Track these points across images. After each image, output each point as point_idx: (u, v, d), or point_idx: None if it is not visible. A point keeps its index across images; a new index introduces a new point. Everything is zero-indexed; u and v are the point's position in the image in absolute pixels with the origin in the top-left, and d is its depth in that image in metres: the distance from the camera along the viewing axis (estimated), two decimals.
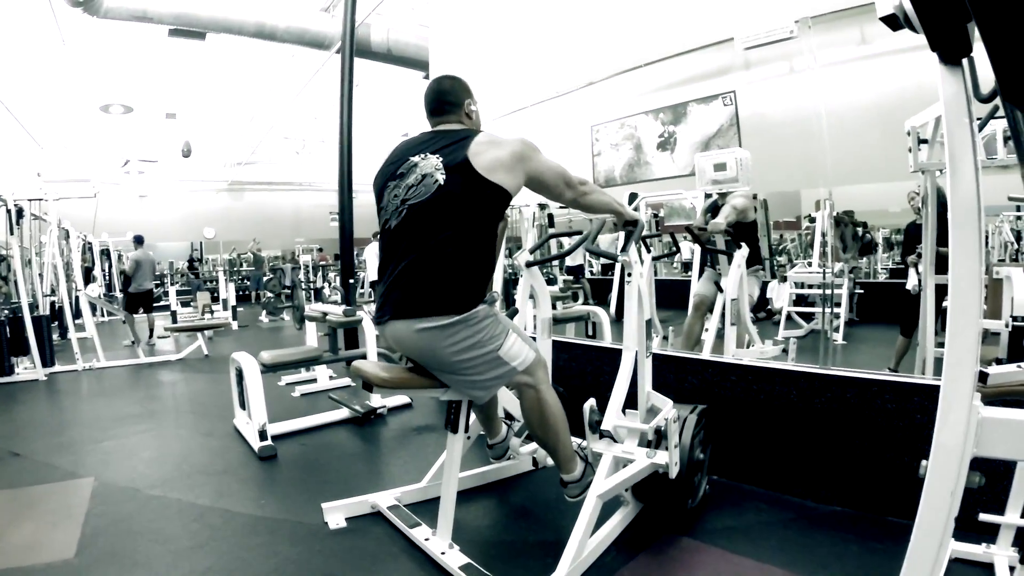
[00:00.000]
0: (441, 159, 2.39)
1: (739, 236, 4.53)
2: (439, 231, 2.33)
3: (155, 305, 10.50)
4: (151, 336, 10.09)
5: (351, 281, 7.01)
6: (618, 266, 2.94)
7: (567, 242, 3.39)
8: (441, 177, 2.34)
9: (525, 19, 5.98)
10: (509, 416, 3.26)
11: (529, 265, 3.22)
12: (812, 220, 5.39)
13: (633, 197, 5.52)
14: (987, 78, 1.22)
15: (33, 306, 7.47)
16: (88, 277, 12.34)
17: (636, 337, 2.88)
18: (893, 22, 1.24)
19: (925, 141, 3.33)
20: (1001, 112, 1.38)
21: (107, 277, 14.44)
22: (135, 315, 9.44)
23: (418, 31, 9.74)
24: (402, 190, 2.42)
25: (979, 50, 1.14)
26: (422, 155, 2.44)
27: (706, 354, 4.19)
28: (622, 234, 2.90)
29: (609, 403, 2.87)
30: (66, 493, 3.55)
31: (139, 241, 10.83)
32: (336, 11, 9.46)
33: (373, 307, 2.72)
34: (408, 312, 2.36)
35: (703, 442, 3.08)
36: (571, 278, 7.47)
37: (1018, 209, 4.88)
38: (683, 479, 2.80)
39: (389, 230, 2.46)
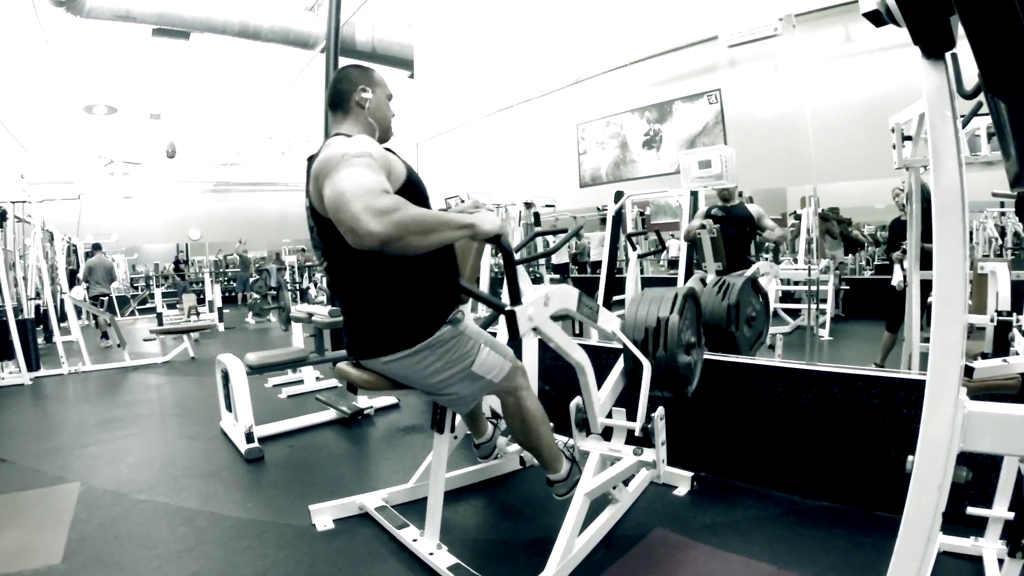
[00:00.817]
0: (309, 200, 2.17)
1: (743, 241, 4.62)
2: (358, 278, 2.23)
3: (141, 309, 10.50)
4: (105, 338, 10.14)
5: None
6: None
7: (553, 240, 3.39)
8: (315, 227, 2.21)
9: (510, 17, 5.98)
10: (495, 415, 3.25)
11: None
12: (797, 217, 5.41)
13: (619, 195, 5.52)
14: (970, 76, 1.23)
15: (17, 310, 7.41)
16: (73, 280, 12.26)
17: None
18: (876, 18, 1.24)
19: (909, 138, 3.34)
20: (984, 109, 1.39)
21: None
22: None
23: (403, 30, 9.70)
24: (314, 239, 2.30)
25: (962, 48, 1.14)
26: (306, 198, 2.21)
27: None
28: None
29: (596, 402, 2.86)
30: (52, 498, 3.52)
31: (96, 247, 10.97)
32: (321, 10, 9.42)
33: None
34: (370, 353, 2.30)
35: (692, 324, 3.11)
36: (557, 276, 7.47)
37: (1002, 205, 4.91)
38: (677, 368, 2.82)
39: (325, 267, 2.38)
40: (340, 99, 2.30)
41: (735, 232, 4.72)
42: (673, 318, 2.89)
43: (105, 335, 10.15)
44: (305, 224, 2.28)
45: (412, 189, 2.11)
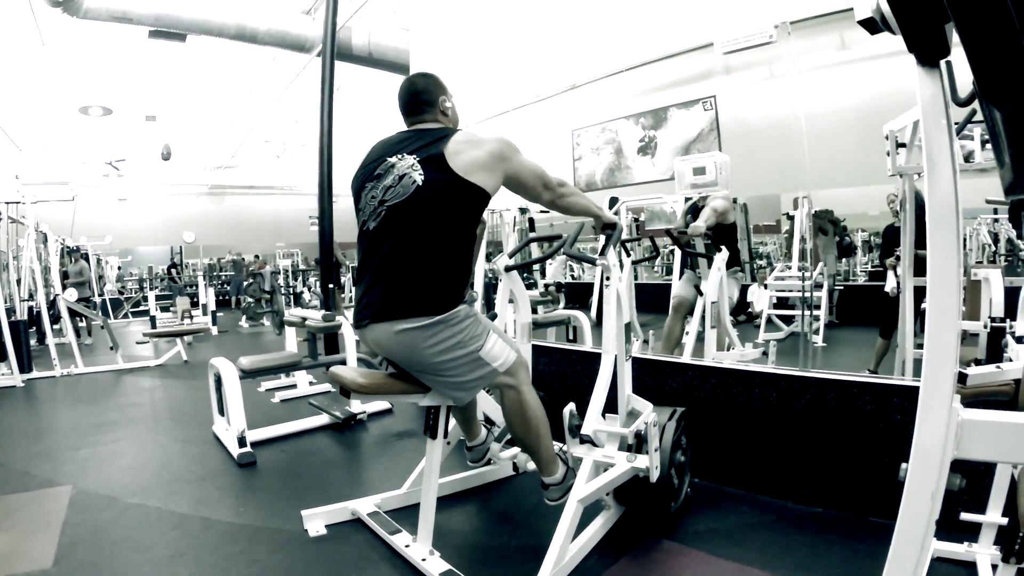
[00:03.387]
0: (418, 159, 2.36)
1: (719, 238, 4.55)
2: (418, 231, 2.31)
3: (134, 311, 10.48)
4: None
5: (331, 286, 6.97)
6: (597, 270, 2.93)
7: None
8: (419, 177, 2.31)
9: (507, 24, 5.99)
10: (489, 421, 3.25)
11: (508, 269, 3.22)
12: (790, 218, 5.42)
13: (613, 201, 5.53)
14: (964, 83, 1.23)
15: (10, 311, 7.38)
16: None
17: (615, 341, 2.87)
18: (871, 26, 1.24)
19: (903, 145, 3.35)
20: (978, 116, 1.39)
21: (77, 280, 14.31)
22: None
23: (399, 35, 9.71)
24: (380, 191, 2.38)
25: (956, 56, 1.14)
26: (399, 155, 2.40)
27: (686, 357, 4.21)
28: (602, 237, 2.89)
29: (589, 407, 2.85)
30: (43, 502, 3.49)
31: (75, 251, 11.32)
32: (317, 14, 9.42)
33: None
34: (388, 314, 2.32)
35: (683, 444, 3.08)
36: (552, 284, 7.46)
37: (995, 212, 4.93)
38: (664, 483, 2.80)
39: (368, 232, 2.43)
40: (427, 105, 2.59)
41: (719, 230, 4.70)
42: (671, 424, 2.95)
43: (89, 332, 10.21)
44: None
45: None
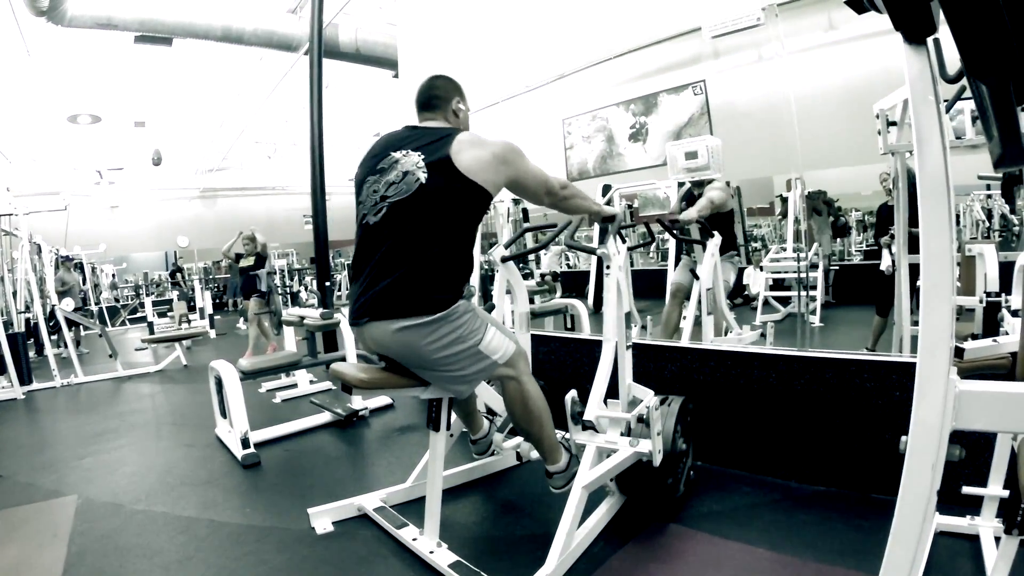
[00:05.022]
0: (423, 156, 2.35)
1: (715, 224, 4.54)
2: (419, 229, 2.30)
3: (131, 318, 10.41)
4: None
5: (327, 284, 6.98)
6: (594, 258, 2.96)
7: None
8: (423, 175, 2.31)
9: (494, 14, 5.97)
10: (491, 411, 3.26)
11: (504, 260, 3.22)
12: (784, 199, 5.42)
13: (607, 189, 5.53)
14: (953, 60, 1.23)
15: (7, 324, 7.36)
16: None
17: (616, 328, 2.88)
18: (858, 5, 1.24)
19: (894, 123, 3.36)
20: (968, 93, 1.39)
21: (81, 291, 14.27)
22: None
23: (386, 30, 9.71)
24: (382, 186, 2.38)
25: (944, 33, 1.15)
26: (404, 151, 2.40)
27: (685, 341, 4.21)
28: (597, 226, 2.92)
29: (591, 394, 2.86)
30: (50, 512, 3.50)
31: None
32: (303, 12, 9.40)
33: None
34: (388, 312, 2.32)
35: (684, 433, 3.08)
36: (548, 274, 7.47)
37: (988, 187, 4.94)
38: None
39: (367, 226, 2.41)
40: (440, 102, 2.65)
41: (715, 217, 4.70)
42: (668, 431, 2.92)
43: (77, 343, 10.17)
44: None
45: None
